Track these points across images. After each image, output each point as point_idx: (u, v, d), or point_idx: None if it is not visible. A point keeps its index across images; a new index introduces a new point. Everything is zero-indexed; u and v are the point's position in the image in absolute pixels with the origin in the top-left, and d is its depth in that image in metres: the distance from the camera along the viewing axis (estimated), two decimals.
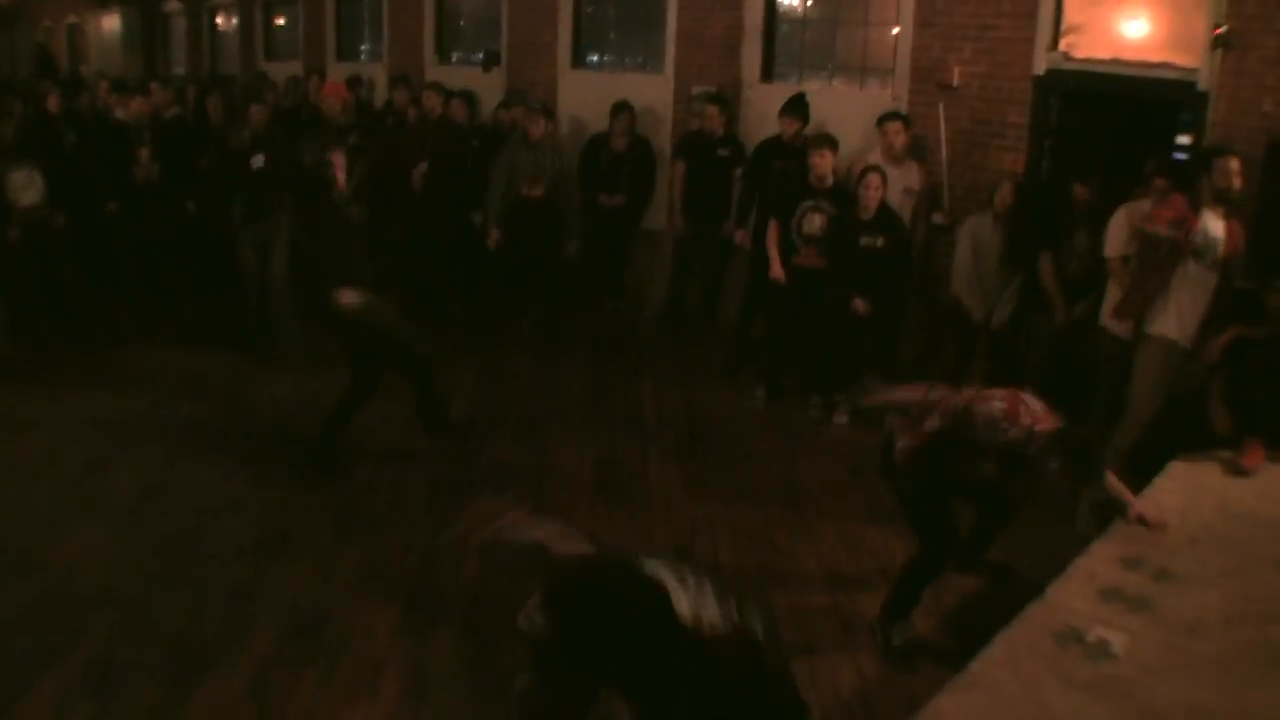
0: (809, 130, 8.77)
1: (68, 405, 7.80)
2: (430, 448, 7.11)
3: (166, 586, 5.49)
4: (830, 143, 7.93)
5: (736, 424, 7.68)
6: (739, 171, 9.33)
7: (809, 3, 10.34)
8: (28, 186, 8.94)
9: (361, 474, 6.71)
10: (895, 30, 9.36)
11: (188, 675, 4.73)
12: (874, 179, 7.50)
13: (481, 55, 12.95)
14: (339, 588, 5.43)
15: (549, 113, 10.03)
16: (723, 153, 9.52)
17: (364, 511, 6.27)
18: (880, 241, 7.52)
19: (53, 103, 10.33)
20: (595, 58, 12.37)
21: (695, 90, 10.48)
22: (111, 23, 22.00)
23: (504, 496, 6.32)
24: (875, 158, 8.11)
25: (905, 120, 8.36)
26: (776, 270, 7.87)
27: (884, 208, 7.62)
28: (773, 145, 9.01)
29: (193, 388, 8.20)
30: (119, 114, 10.62)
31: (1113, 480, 4.86)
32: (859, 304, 7.46)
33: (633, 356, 8.90)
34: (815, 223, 7.80)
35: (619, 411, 7.82)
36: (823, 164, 7.82)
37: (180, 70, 18.96)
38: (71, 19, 24.30)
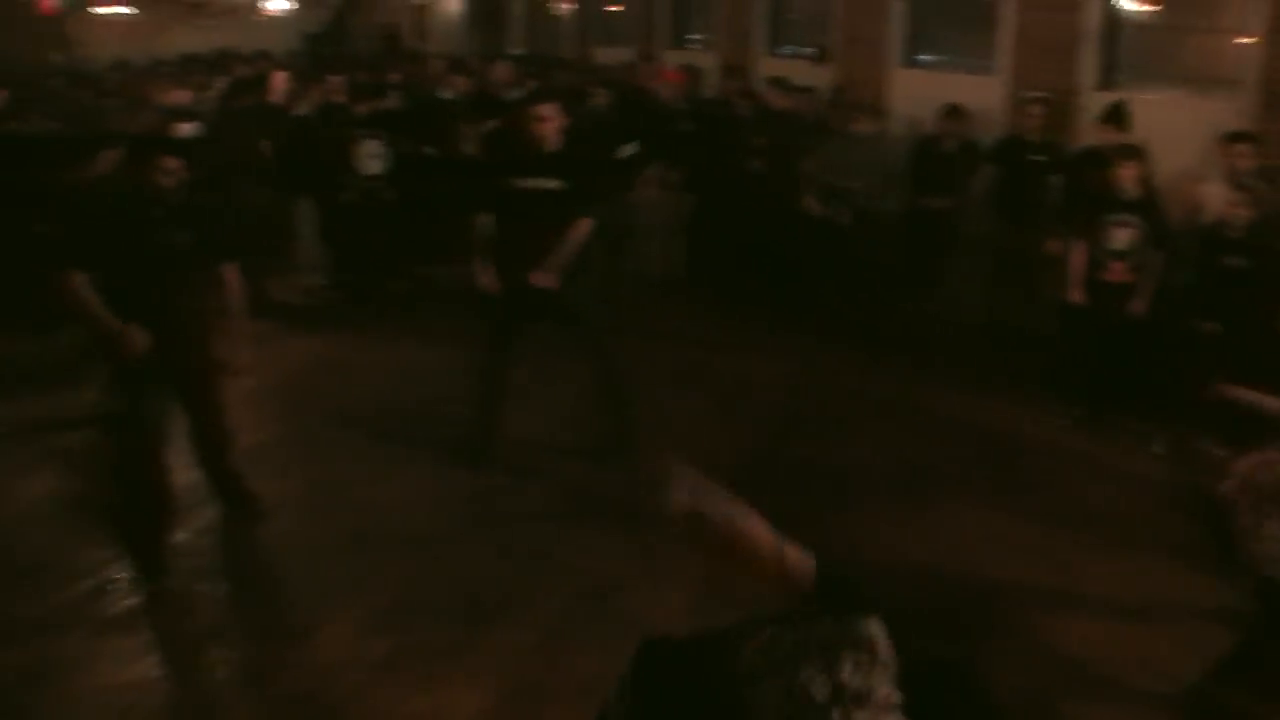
0: (1124, 139, 8.26)
1: (395, 355, 8.37)
2: (739, 432, 7.19)
3: (471, 537, 5.79)
4: (1137, 154, 7.51)
5: (1044, 440, 7.41)
6: (1053, 179, 9.01)
7: (1151, 7, 9.89)
8: (375, 156, 9.59)
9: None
10: (1245, 40, 8.79)
11: (482, 622, 4.98)
12: (1240, 197, 7.09)
13: (812, 49, 12.96)
14: (631, 557, 5.52)
15: (876, 111, 9.94)
16: (1037, 158, 9.14)
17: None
18: (1244, 262, 7.06)
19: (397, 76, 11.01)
20: (926, 56, 12.22)
21: (1026, 94, 10.21)
22: (454, 4, 23.07)
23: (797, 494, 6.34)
24: (1213, 179, 7.69)
25: (1255, 142, 7.85)
26: (1074, 292, 7.54)
27: (1253, 227, 7.13)
28: (1087, 154, 8.61)
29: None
30: (447, 93, 11.21)
31: None
32: (1209, 327, 7.04)
33: (943, 362, 8.73)
34: (1121, 237, 7.44)
35: (924, 416, 7.70)
36: (1128, 176, 7.45)
37: (518, 51, 19.70)
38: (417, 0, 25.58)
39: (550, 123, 6.32)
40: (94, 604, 5.15)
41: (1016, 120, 9.82)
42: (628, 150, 9.29)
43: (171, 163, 5.14)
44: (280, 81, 10.55)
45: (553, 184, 6.32)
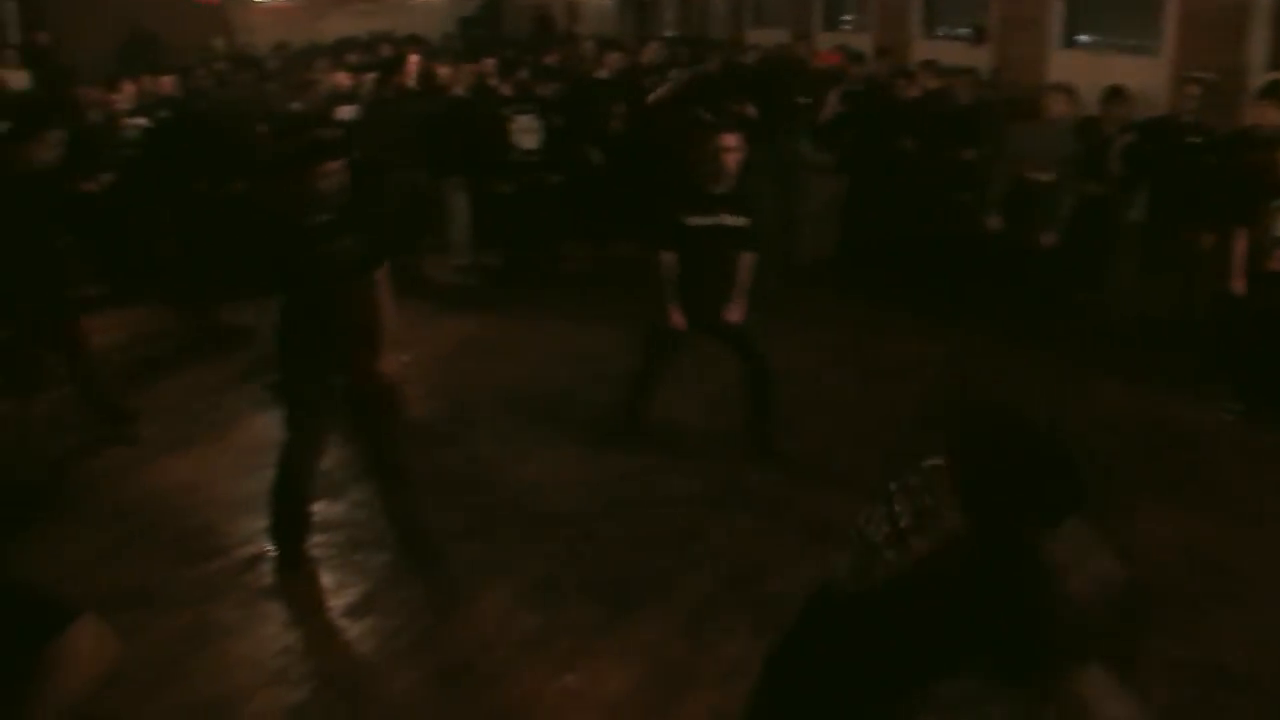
0: None
1: (548, 334, 8.49)
2: (888, 416, 7.10)
3: (619, 517, 5.81)
4: None
5: (1204, 437, 7.13)
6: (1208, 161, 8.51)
7: None
8: (530, 131, 9.69)
9: (817, 435, 6.80)
10: None
11: (627, 604, 4.99)
12: None
13: (969, 29, 12.73)
14: (785, 540, 5.51)
15: (1069, 91, 9.51)
16: (1193, 140, 8.62)
17: (816, 471, 6.33)
18: None
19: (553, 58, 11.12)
20: (1086, 36, 11.91)
21: (1193, 74, 9.85)
22: None
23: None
24: None
25: None
26: (1236, 283, 7.18)
27: None
28: (1243, 135, 8.19)
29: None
30: (601, 73, 11.27)
31: None
32: None
33: (1100, 354, 8.44)
34: None
35: (1082, 410, 7.44)
36: None
37: (670, 33, 19.72)
38: None
39: (734, 154, 6.19)
40: (250, 572, 5.31)
41: (1181, 103, 9.46)
42: None
43: (332, 166, 4.89)
44: (414, 65, 10.70)
45: (735, 221, 6.27)
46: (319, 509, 5.78)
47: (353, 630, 4.85)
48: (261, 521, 5.49)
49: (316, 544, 5.49)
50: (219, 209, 8.88)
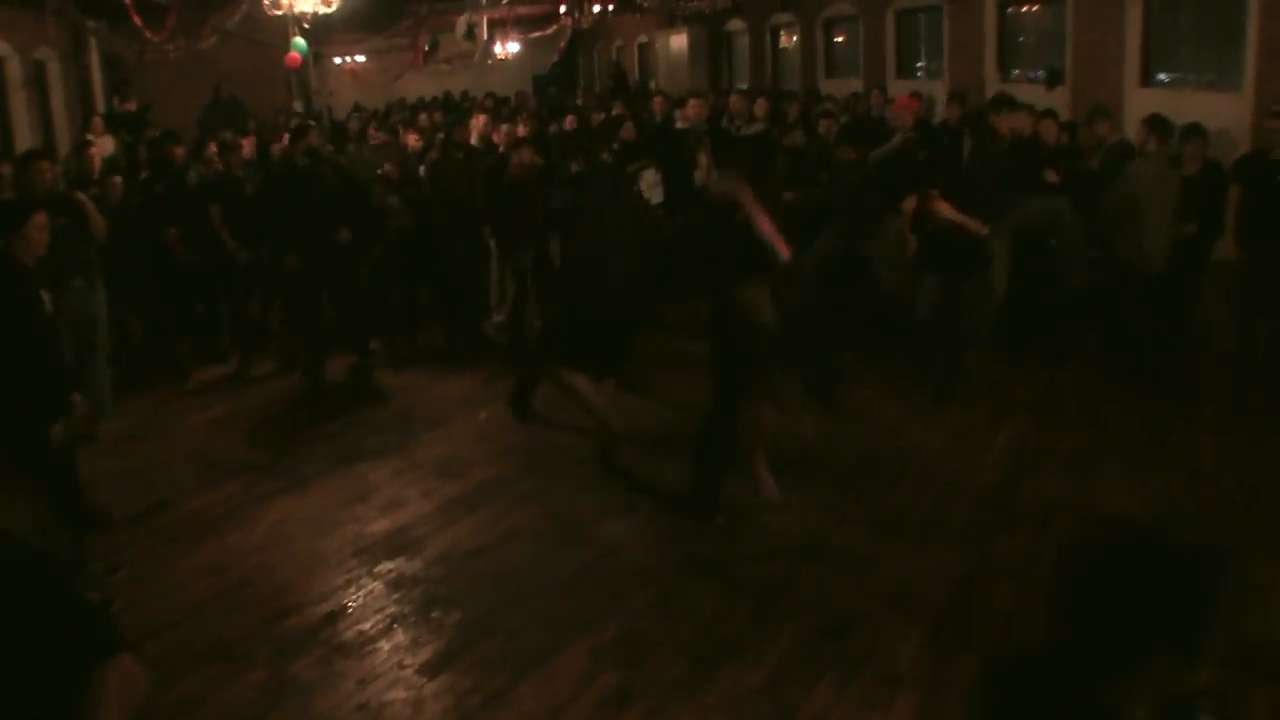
0: None
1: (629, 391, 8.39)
2: (980, 464, 6.98)
3: (702, 572, 5.72)
4: None
5: None
6: None
7: None
8: (655, 185, 9.74)
9: (904, 488, 6.70)
10: None
11: (711, 659, 4.89)
12: None
13: (1044, 72, 12.62)
14: (868, 598, 5.38)
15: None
16: None
17: (904, 526, 6.22)
18: None
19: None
20: (1164, 75, 11.75)
21: (1276, 109, 9.65)
22: (679, 41, 23.38)
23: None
24: None
25: None
26: None
27: None
28: None
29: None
30: (679, 124, 11.32)
31: None
32: None
33: (1192, 395, 8.19)
34: None
35: (1174, 453, 7.23)
36: None
37: (743, 85, 19.81)
38: (642, 38, 26.06)
39: None
40: (328, 629, 5.29)
41: (1264, 139, 9.27)
42: None
43: None
44: (479, 125, 10.79)
45: None
46: (394, 566, 5.81)
47: (428, 688, 4.81)
48: (339, 578, 5.48)
49: (393, 600, 5.49)
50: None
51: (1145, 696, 4.30)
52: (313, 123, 11.82)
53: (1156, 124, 8.64)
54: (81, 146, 10.45)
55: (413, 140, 11.60)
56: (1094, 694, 4.44)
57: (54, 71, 16.42)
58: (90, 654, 2.27)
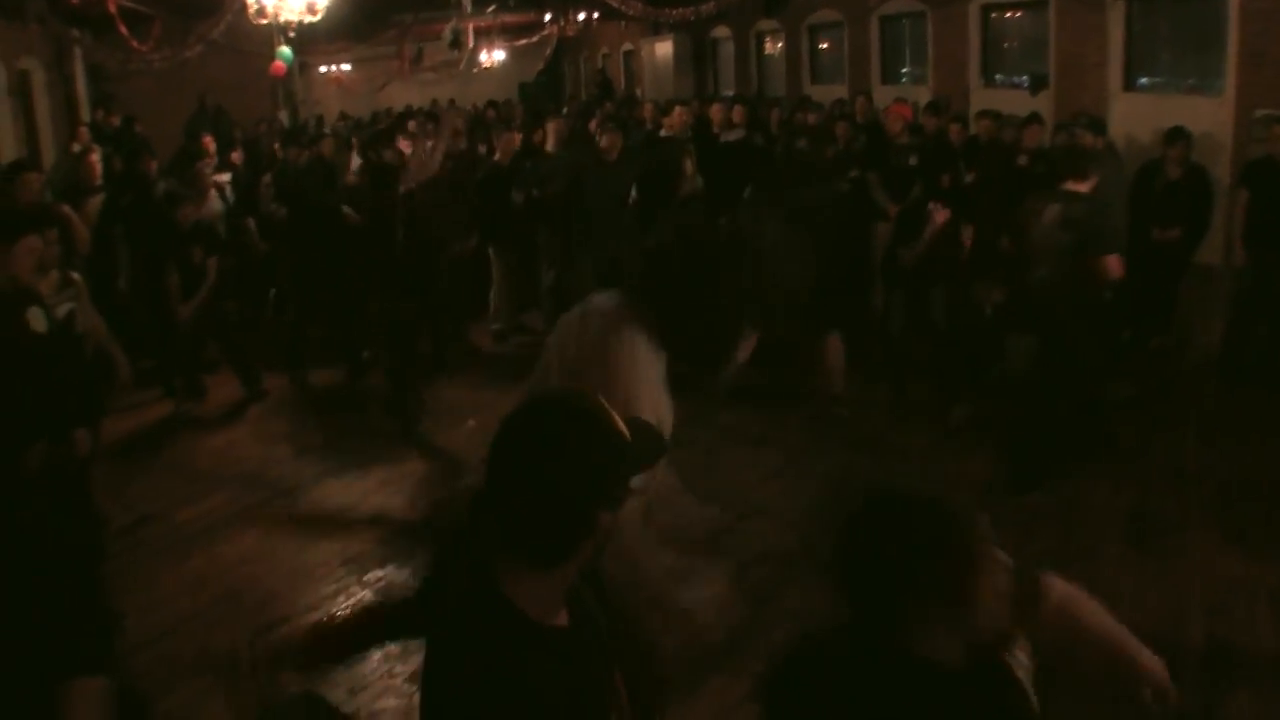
0: None
1: None
2: (968, 466, 6.95)
3: (689, 581, 5.73)
4: None
5: None
6: None
7: None
8: None
9: None
10: None
11: (699, 669, 4.87)
12: None
13: (1027, 78, 12.67)
14: None
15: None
16: None
17: None
18: None
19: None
20: (1146, 79, 11.80)
21: (1259, 114, 9.72)
22: (664, 48, 23.39)
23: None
24: None
25: None
26: None
27: None
28: None
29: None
30: (663, 132, 11.37)
31: None
32: None
33: (1180, 402, 8.17)
34: None
35: (1158, 459, 7.22)
36: None
37: (729, 92, 19.83)
38: (627, 46, 26.07)
39: None
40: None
41: (1246, 143, 9.32)
42: None
43: None
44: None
45: None
46: (383, 575, 5.81)
47: (418, 697, 4.80)
48: (328, 587, 5.48)
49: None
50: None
51: None
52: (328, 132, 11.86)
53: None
54: (82, 154, 10.34)
55: (404, 146, 11.60)
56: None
57: (38, 81, 16.35)
58: (59, 669, 2.23)
